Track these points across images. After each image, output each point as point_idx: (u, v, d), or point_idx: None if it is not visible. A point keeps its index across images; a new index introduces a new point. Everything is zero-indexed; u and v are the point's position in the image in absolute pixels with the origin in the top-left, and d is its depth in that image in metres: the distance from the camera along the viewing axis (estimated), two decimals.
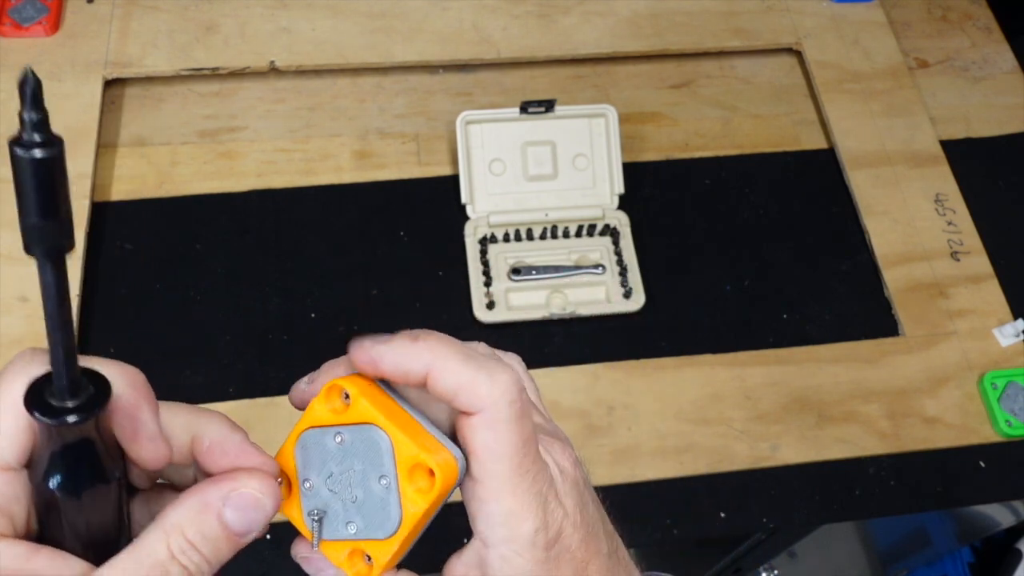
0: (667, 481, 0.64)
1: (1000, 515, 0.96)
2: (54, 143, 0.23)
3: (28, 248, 0.24)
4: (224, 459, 0.30)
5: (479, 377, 0.28)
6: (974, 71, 0.88)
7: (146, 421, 0.28)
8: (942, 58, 0.88)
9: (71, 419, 0.26)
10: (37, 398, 0.26)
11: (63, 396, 0.26)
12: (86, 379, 0.26)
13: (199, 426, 0.30)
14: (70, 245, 0.25)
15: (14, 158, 0.23)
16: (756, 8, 0.87)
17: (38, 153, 0.23)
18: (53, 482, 0.27)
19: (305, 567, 0.32)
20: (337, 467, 0.30)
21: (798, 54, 0.86)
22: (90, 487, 0.27)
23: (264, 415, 0.63)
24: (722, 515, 0.64)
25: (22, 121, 0.23)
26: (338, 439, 0.30)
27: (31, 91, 0.22)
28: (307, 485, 0.31)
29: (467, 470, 0.30)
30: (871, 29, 0.87)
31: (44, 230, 0.24)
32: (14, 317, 0.65)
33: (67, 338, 0.25)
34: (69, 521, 0.27)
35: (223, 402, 0.64)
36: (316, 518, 0.30)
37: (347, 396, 0.30)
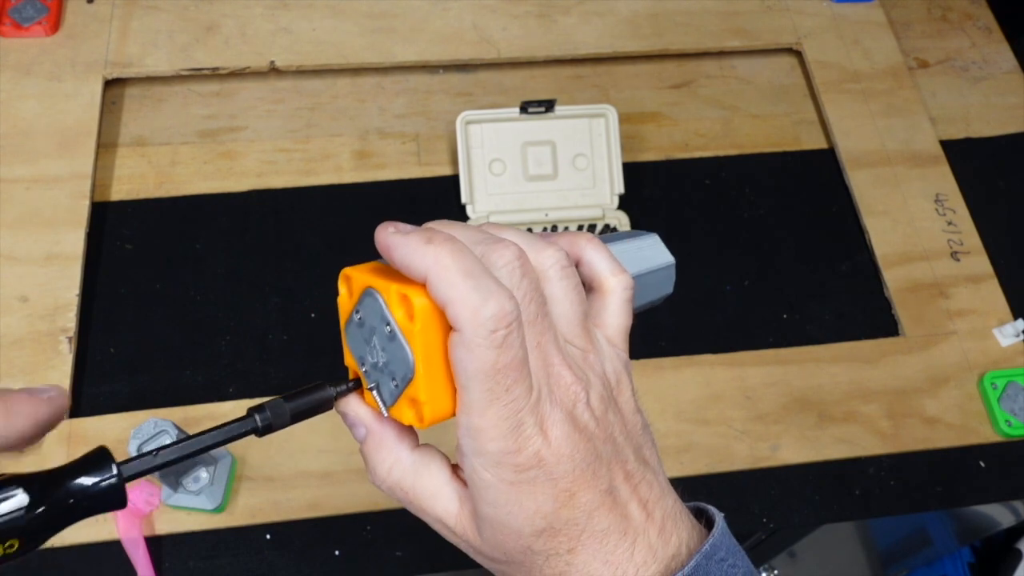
0: None
1: (1000, 515, 0.96)
2: None
3: None
4: None
5: (470, 298, 0.28)
6: (974, 71, 0.88)
7: None
8: (942, 58, 0.88)
9: None
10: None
11: None
12: None
13: None
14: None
15: None
16: (756, 8, 0.87)
17: None
18: None
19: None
20: (367, 340, 0.33)
21: (798, 54, 0.86)
22: None
23: None
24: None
25: None
26: (357, 317, 0.33)
27: None
28: (364, 369, 0.34)
29: None
30: (871, 29, 0.87)
31: None
32: (14, 317, 0.65)
33: None
34: None
35: (223, 402, 0.64)
36: (373, 389, 0.33)
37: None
